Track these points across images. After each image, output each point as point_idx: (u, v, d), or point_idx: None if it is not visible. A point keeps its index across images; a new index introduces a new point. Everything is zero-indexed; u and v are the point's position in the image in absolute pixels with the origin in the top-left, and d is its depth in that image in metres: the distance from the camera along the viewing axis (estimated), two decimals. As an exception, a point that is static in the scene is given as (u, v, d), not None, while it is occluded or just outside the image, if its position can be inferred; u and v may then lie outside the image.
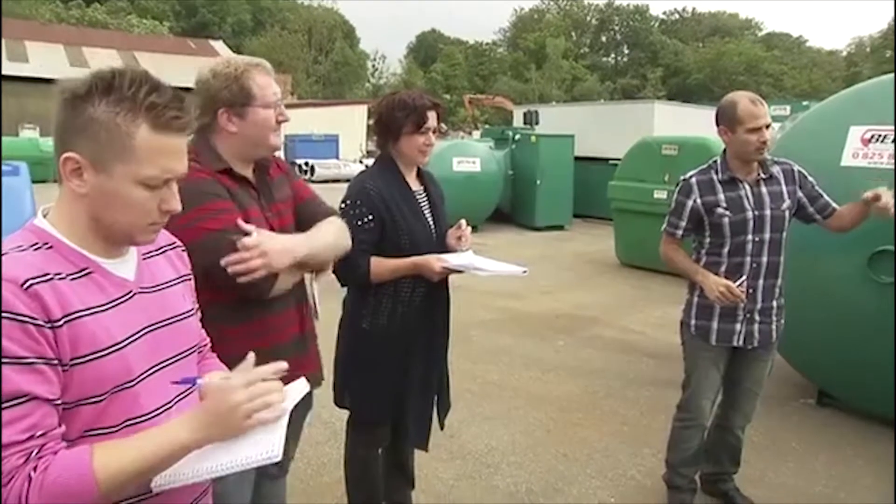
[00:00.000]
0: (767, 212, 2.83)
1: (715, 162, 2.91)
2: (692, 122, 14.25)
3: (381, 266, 2.49)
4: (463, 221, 2.69)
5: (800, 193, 2.94)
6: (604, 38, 56.34)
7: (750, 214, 2.81)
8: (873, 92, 4.21)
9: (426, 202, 2.65)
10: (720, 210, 2.82)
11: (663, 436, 4.09)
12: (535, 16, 55.51)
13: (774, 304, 2.98)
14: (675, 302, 7.38)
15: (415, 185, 2.64)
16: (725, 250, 2.86)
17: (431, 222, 2.63)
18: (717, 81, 43.96)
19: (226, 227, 1.74)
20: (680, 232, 2.95)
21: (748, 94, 2.82)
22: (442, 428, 2.84)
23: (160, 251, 1.35)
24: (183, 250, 1.44)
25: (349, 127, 33.55)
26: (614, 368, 5.32)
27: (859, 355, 4.06)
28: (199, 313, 1.41)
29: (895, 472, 2.26)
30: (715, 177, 2.87)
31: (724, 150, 2.91)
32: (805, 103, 20.33)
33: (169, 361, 1.25)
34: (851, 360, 4.12)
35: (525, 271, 2.58)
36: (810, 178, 2.98)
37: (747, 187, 2.84)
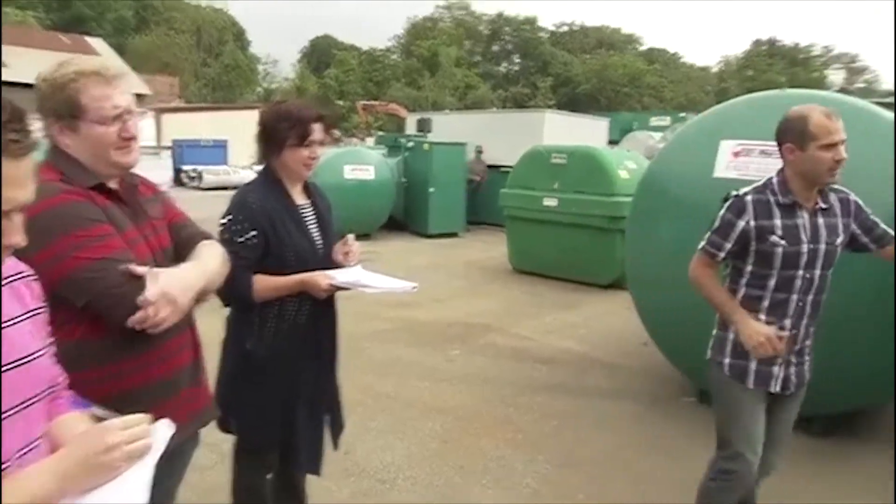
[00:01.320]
0: (822, 246, 2.48)
1: (770, 181, 2.53)
2: (580, 132, 14.80)
3: (265, 284, 2.37)
4: (350, 236, 2.61)
5: (853, 225, 2.60)
6: (496, 48, 57.62)
7: (805, 247, 2.45)
8: (741, 109, 4.48)
9: (313, 216, 2.56)
10: (775, 238, 2.45)
11: (557, 441, 4.20)
12: (428, 24, 56.02)
13: (809, 342, 2.65)
14: (565, 307, 7.72)
15: (300, 199, 2.53)
16: (771, 283, 2.50)
17: (318, 237, 2.54)
18: (603, 92, 45.97)
19: (111, 254, 1.58)
20: (723, 254, 2.56)
21: (820, 107, 2.47)
22: (335, 448, 2.75)
23: (7, 282, 1.19)
24: (34, 279, 1.27)
25: (239, 132, 32.33)
26: (507, 376, 5.38)
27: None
28: (52, 349, 1.26)
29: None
30: (772, 198, 2.49)
31: (781, 170, 2.53)
32: (683, 115, 21.60)
33: (12, 411, 1.11)
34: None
35: (414, 287, 2.54)
36: (866, 208, 2.64)
37: (806, 216, 2.48)
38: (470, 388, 5.08)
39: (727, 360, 2.64)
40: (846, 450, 4.21)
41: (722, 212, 2.56)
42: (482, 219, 14.20)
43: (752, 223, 2.47)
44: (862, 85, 46.58)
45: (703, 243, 2.62)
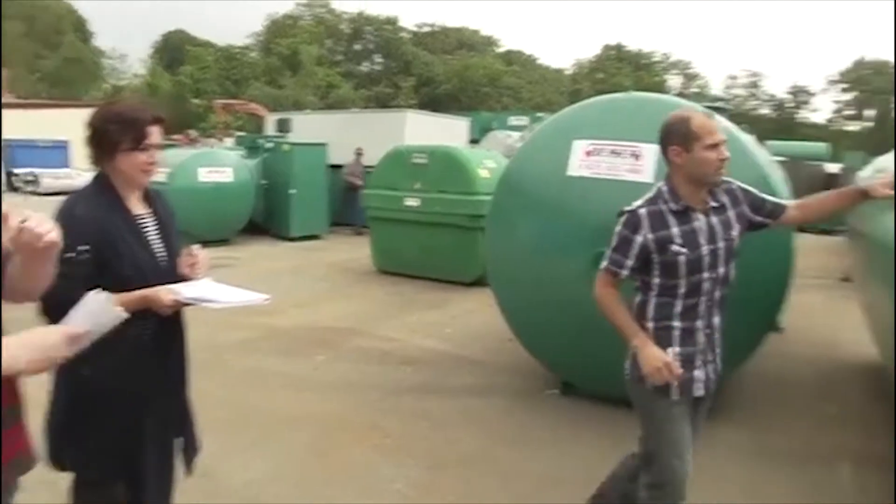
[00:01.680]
0: (721, 244, 2.48)
1: (661, 190, 2.50)
2: (442, 131, 14.97)
3: (100, 302, 2.15)
4: (195, 247, 2.43)
5: (746, 211, 2.61)
6: (358, 47, 57.15)
7: (706, 249, 2.44)
8: (592, 110, 4.68)
9: (154, 226, 2.35)
10: (675, 247, 2.41)
11: (426, 443, 4.17)
12: (288, 21, 54.63)
13: (718, 335, 2.64)
14: (430, 306, 7.75)
15: (138, 208, 2.32)
16: (681, 291, 2.47)
17: (161, 249, 2.33)
18: (464, 92, 46.89)
19: None
20: (625, 272, 2.50)
21: (698, 108, 2.54)
22: (190, 473, 2.56)
23: None
24: None
25: (83, 132, 29.91)
26: (374, 380, 5.30)
27: (591, 347, 4.46)
28: None
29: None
30: (665, 207, 2.46)
31: (668, 177, 2.52)
32: (539, 115, 22.44)
33: None
34: (585, 351, 4.53)
35: (267, 299, 2.40)
36: (750, 189, 2.67)
37: (701, 218, 2.47)
38: (336, 394, 4.95)
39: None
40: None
41: (618, 228, 2.51)
42: (348, 220, 14.03)
43: (650, 236, 2.43)
44: (696, 90, 50.70)
45: (604, 262, 2.56)
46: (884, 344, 4.17)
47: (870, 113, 46.98)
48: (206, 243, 2.72)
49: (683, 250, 2.41)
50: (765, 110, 49.37)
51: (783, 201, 2.73)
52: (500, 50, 58.07)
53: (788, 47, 79.26)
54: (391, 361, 5.76)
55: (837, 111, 48.67)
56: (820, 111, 49.37)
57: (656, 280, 2.49)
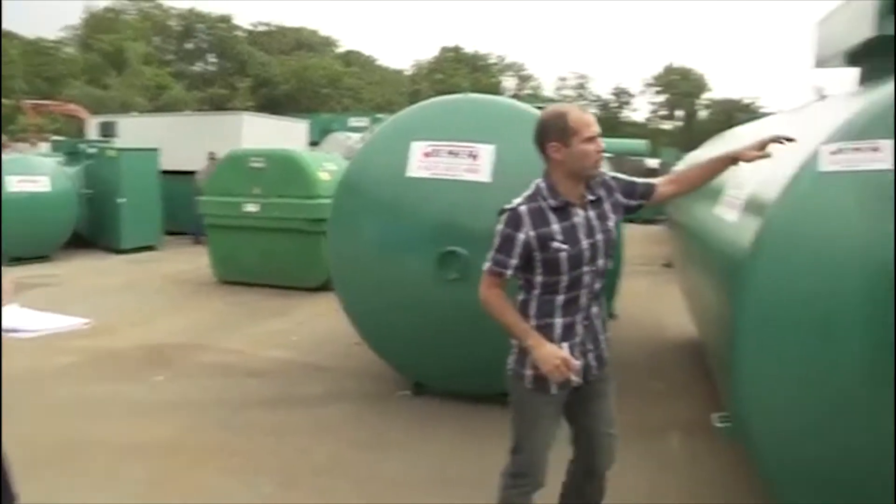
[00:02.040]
0: (600, 236, 2.50)
1: (539, 187, 2.48)
2: (281, 134, 14.57)
3: None
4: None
5: (620, 198, 2.63)
6: (189, 45, 54.17)
7: (585, 244, 2.45)
8: (430, 111, 4.73)
9: None
10: (556, 243, 2.41)
11: (277, 457, 4.01)
12: (110, 15, 50.62)
13: (599, 321, 2.65)
14: (275, 314, 7.51)
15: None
16: (563, 286, 2.46)
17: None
18: (303, 93, 45.91)
19: None
20: (510, 271, 2.45)
21: (571, 104, 2.54)
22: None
23: None
24: None
25: None
26: (218, 396, 5.03)
27: (440, 346, 4.52)
28: None
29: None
30: (544, 204, 2.44)
31: (546, 174, 2.50)
32: (380, 116, 22.46)
33: None
34: (434, 350, 4.58)
35: (87, 323, 2.18)
36: (620, 176, 2.69)
37: (580, 213, 2.47)
38: (177, 416, 4.63)
39: (528, 372, 2.53)
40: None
41: (499, 227, 2.46)
42: (180, 228, 13.26)
43: (532, 233, 2.41)
44: (530, 91, 53.17)
45: (487, 263, 2.49)
46: (701, 324, 4.57)
47: (679, 113, 51.82)
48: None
49: (564, 247, 2.41)
50: (592, 110, 52.46)
51: (651, 180, 2.76)
52: (340, 50, 57.48)
53: (610, 51, 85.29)
54: (236, 375, 5.50)
55: (653, 111, 53.05)
56: (639, 111, 53.63)
57: (539, 278, 2.47)
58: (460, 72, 49.46)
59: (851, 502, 2.44)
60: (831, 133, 2.46)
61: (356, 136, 17.32)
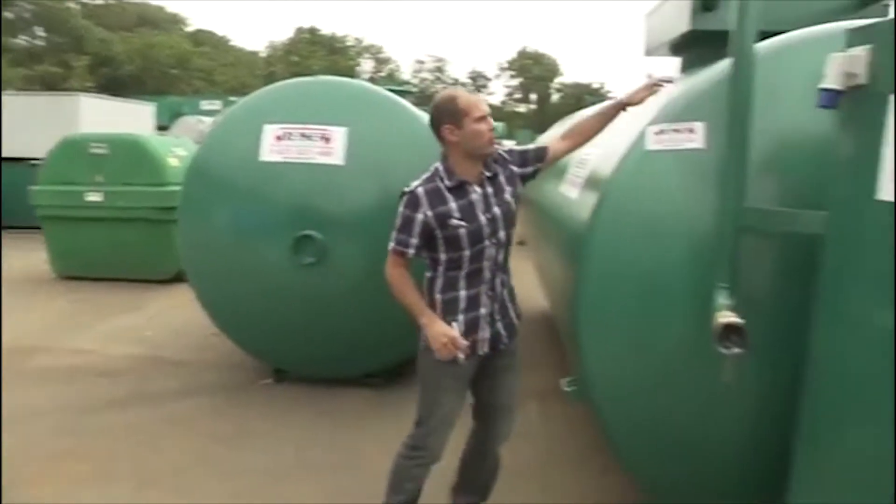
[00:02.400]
0: (497, 210, 2.60)
1: (437, 169, 2.59)
2: (124, 118, 13.65)
3: None
4: None
5: (515, 169, 2.73)
6: (9, 15, 49.08)
7: (483, 219, 2.55)
8: (281, 93, 4.61)
9: None
10: (455, 221, 2.51)
11: (133, 460, 3.79)
12: None
13: (506, 291, 2.78)
14: (126, 310, 7.09)
15: None
16: (465, 261, 2.57)
17: None
18: (149, 73, 43.02)
19: None
20: (412, 250, 2.55)
21: (461, 89, 2.64)
22: None
23: None
24: None
25: None
26: (63, 401, 4.67)
27: (298, 331, 4.49)
28: None
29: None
30: (442, 184, 2.55)
31: (443, 156, 2.60)
32: (233, 99, 21.59)
33: None
34: (294, 336, 4.54)
35: None
36: (514, 148, 2.80)
37: (478, 190, 2.58)
38: (20, 426, 4.23)
39: None
40: (407, 394, 4.78)
41: (400, 209, 2.56)
42: (10, 221, 12.10)
43: (430, 213, 2.50)
44: (384, 74, 52.97)
45: (391, 243, 2.58)
46: (552, 297, 4.84)
47: (533, 97, 53.90)
48: None
49: (463, 223, 2.51)
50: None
51: (541, 144, 2.90)
52: (189, 29, 54.39)
53: (467, 34, 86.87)
54: (84, 376, 5.14)
55: (509, 94, 54.83)
56: (495, 94, 55.04)
57: (442, 255, 2.58)
58: (317, 54, 48.37)
59: (681, 452, 2.70)
60: (655, 115, 2.68)
61: (209, 119, 16.56)
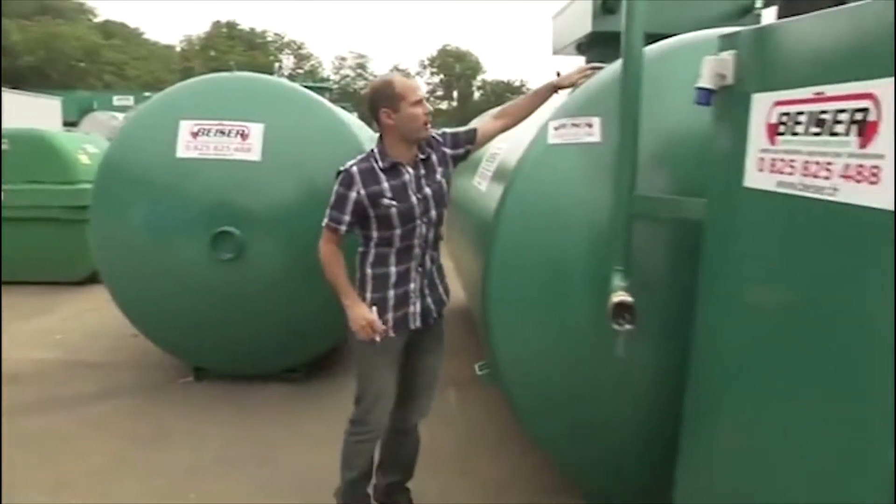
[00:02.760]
0: (428, 190, 2.72)
1: (373, 151, 2.69)
2: (27, 112, 13.05)
3: None
4: None
5: (447, 151, 2.87)
6: None
7: (414, 199, 2.67)
8: (197, 89, 4.56)
9: None
10: (386, 200, 2.62)
11: (47, 467, 3.70)
12: None
13: (435, 267, 2.91)
14: (34, 314, 6.85)
15: None
16: (396, 239, 2.69)
17: None
18: (54, 66, 40.94)
19: None
20: (344, 227, 2.65)
21: (397, 74, 2.75)
22: None
23: None
24: None
25: None
26: (-31, 407, 4.50)
27: (217, 328, 4.47)
28: None
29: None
30: (376, 165, 2.65)
31: (379, 139, 2.72)
32: (147, 94, 20.93)
33: None
34: (213, 333, 4.51)
35: None
36: (446, 131, 2.95)
37: (410, 171, 2.69)
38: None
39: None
40: (327, 387, 4.85)
41: (335, 187, 2.65)
42: None
43: (363, 192, 2.60)
44: (302, 71, 52.15)
45: (325, 220, 2.67)
46: (467, 287, 4.99)
47: (455, 94, 54.37)
48: None
49: (394, 203, 2.62)
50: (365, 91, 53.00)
51: (471, 126, 3.05)
52: (98, 20, 52.03)
53: (389, 31, 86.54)
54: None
55: (431, 91, 55.03)
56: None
57: (374, 233, 2.69)
58: (235, 49, 47.24)
59: (589, 429, 2.88)
60: (555, 111, 2.85)
61: (122, 115, 16.01)
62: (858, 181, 1.51)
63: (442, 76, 53.23)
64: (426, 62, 55.24)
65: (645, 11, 2.46)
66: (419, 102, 2.63)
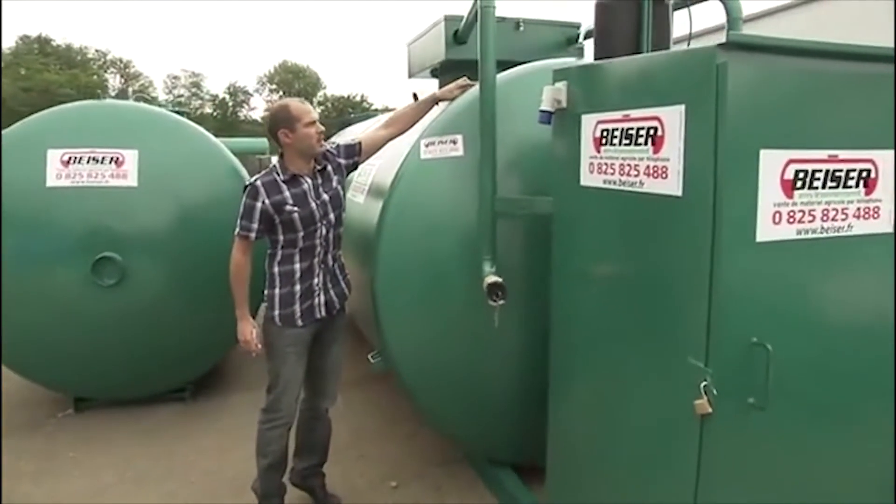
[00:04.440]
0: (326, 196, 3.09)
1: (275, 166, 3.06)
2: None
3: None
4: None
5: (341, 161, 3.25)
6: None
7: (314, 205, 3.03)
8: (64, 118, 4.55)
9: None
10: (289, 207, 2.97)
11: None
12: None
13: (338, 265, 3.27)
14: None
15: None
16: (300, 241, 3.04)
17: None
18: None
19: None
20: (254, 234, 3.00)
21: (293, 99, 3.11)
22: None
23: None
24: None
25: None
26: None
27: (101, 356, 4.51)
28: None
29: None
30: (278, 178, 3.01)
31: (280, 155, 3.08)
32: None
33: None
34: (92, 360, 4.53)
35: None
36: (340, 143, 3.33)
37: (309, 181, 3.06)
38: None
39: (276, 312, 3.09)
40: (216, 402, 5.01)
41: (244, 199, 3.00)
42: None
43: (268, 201, 2.96)
44: (134, 90, 49.33)
45: (236, 230, 3.01)
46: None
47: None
48: None
49: (296, 209, 2.99)
50: (208, 109, 51.34)
51: (356, 139, 3.40)
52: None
53: (225, 48, 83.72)
54: None
55: (269, 109, 53.78)
56: (257, 108, 53.77)
57: (281, 237, 3.04)
58: (51, 66, 43.75)
59: (464, 393, 3.38)
60: (424, 130, 3.33)
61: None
62: (655, 177, 2.12)
63: (281, 93, 52.45)
64: (264, 79, 54.28)
65: (496, 46, 3.00)
66: (312, 123, 3.01)
